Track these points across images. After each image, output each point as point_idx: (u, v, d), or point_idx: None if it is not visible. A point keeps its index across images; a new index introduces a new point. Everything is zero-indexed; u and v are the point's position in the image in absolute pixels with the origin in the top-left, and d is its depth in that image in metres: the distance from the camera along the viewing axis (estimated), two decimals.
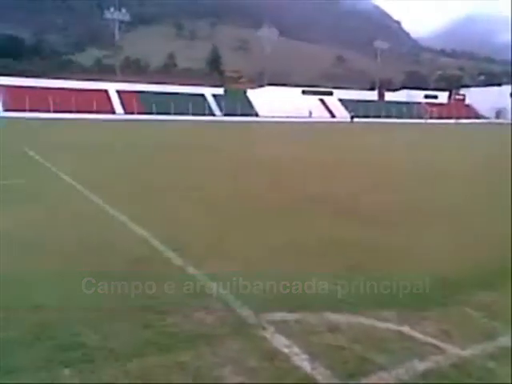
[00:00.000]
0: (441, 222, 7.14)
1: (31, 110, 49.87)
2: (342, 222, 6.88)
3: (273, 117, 62.00)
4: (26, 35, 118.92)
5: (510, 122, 76.35)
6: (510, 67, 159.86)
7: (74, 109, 52.57)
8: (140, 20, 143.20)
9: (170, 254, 5.16)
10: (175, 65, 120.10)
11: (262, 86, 79.66)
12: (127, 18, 73.78)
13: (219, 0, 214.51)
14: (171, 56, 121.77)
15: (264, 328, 3.47)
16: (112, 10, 71.98)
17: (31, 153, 15.59)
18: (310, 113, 70.22)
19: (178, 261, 4.97)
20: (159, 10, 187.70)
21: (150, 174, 11.91)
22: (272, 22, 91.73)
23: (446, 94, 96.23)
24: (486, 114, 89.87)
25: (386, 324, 3.60)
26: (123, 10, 72.84)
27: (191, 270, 4.70)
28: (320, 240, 5.87)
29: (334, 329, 3.49)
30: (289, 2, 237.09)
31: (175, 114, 57.48)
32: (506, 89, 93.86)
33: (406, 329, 3.53)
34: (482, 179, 12.05)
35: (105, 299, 3.93)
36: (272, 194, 9.12)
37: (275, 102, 69.03)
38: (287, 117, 62.56)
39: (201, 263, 4.86)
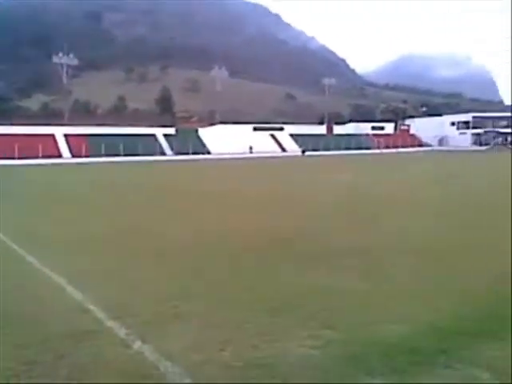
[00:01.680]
0: (416, 259, 6.38)
1: None
2: (309, 267, 6.04)
3: (224, 154, 62.12)
4: None
5: (451, 148, 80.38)
6: (448, 99, 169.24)
7: (16, 155, 50.90)
8: (89, 64, 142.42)
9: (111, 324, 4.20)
10: (125, 107, 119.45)
11: (213, 124, 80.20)
12: (75, 62, 73.13)
13: (169, 43, 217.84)
14: (121, 98, 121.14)
15: None
16: (60, 54, 71.29)
17: None
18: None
19: (120, 332, 4.01)
20: (109, 54, 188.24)
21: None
22: (222, 62, 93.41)
23: (392, 125, 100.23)
24: (430, 142, 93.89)
25: None
26: (71, 55, 72.32)
27: (137, 344, 3.75)
28: (289, 287, 5.08)
29: None
30: (239, 43, 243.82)
31: (125, 155, 56.58)
32: (446, 119, 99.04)
33: None
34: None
35: None
36: (230, 235, 8.13)
37: (227, 140, 69.28)
38: (239, 153, 62.93)
39: (148, 335, 3.90)
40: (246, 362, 3.39)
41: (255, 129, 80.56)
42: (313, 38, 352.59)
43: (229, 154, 61.59)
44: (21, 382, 3.20)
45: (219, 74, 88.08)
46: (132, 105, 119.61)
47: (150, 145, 63.09)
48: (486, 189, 16.22)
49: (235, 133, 73.55)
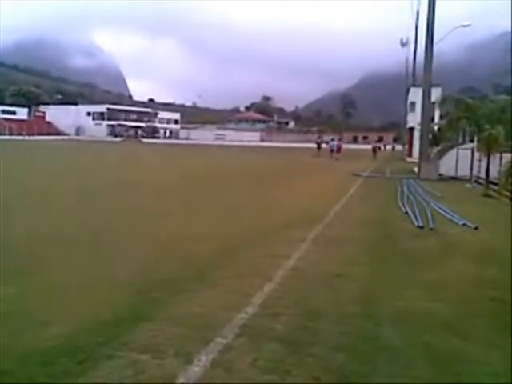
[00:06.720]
0: None
1: None
2: None
3: None
4: None
5: (88, 138, 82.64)
6: (83, 89, 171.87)
7: None
8: None
9: None
10: None
11: None
12: None
13: None
14: None
15: None
16: None
17: None
18: None
19: None
20: None
21: None
22: None
23: (26, 110, 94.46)
24: (67, 131, 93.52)
25: None
26: None
27: None
28: None
29: None
30: None
31: None
32: (82, 108, 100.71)
33: None
34: None
35: None
36: None
37: None
38: None
39: None
40: None
41: None
42: None
43: None
44: None
45: None
46: None
47: None
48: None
49: None
